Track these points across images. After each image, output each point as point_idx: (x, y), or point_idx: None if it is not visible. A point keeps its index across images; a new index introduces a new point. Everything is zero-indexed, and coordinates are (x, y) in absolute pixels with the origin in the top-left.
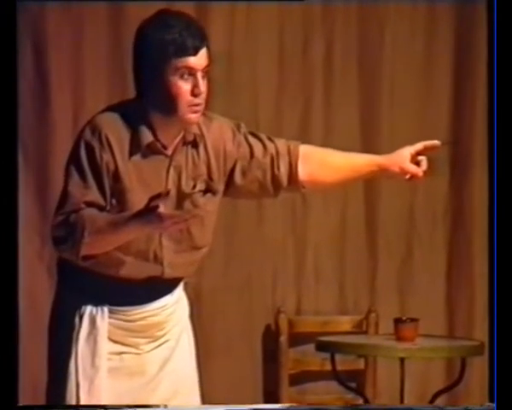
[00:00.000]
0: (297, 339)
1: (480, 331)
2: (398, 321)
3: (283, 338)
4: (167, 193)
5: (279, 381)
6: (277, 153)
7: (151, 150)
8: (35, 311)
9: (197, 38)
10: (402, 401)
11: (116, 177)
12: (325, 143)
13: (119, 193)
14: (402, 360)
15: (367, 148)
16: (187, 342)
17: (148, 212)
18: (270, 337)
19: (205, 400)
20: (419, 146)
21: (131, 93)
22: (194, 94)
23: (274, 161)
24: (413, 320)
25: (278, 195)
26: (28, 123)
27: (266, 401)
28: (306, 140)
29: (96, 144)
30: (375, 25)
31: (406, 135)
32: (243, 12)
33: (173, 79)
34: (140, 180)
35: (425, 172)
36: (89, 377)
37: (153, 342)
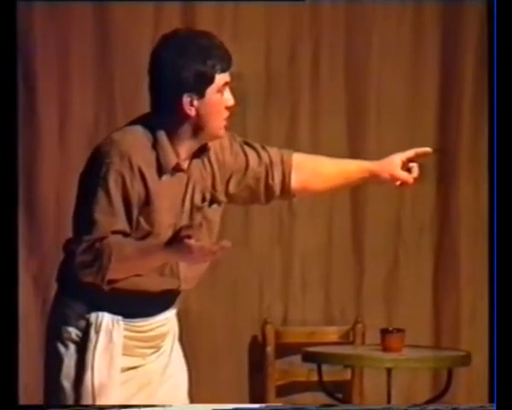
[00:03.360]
0: (283, 350)
1: (467, 341)
2: (384, 331)
3: (270, 349)
4: (200, 225)
5: (266, 392)
6: (271, 162)
7: (175, 170)
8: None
9: (226, 51)
10: None
11: (147, 200)
12: (312, 150)
13: (147, 214)
14: (388, 371)
15: (354, 155)
16: (179, 349)
17: (178, 242)
18: (257, 348)
19: None
20: (410, 153)
21: (118, 97)
22: (227, 108)
23: (268, 171)
24: (399, 331)
25: (269, 202)
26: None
27: None
28: (294, 147)
29: (126, 172)
30: (362, 31)
31: (393, 142)
32: (230, 15)
33: (217, 97)
34: (166, 199)
35: (415, 179)
36: (104, 389)
37: (156, 352)
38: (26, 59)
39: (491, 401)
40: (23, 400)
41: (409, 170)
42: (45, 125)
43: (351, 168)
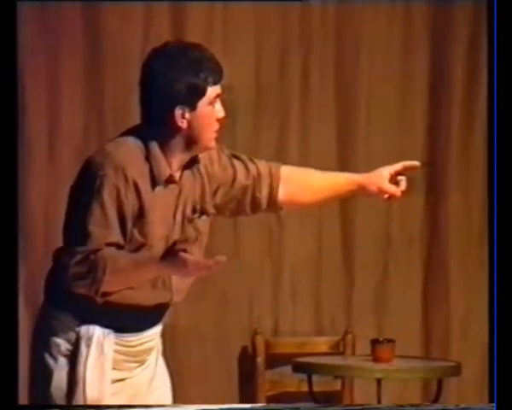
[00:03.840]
0: (274, 360)
1: (457, 351)
2: (374, 342)
3: (260, 359)
4: (195, 239)
5: (256, 402)
6: (259, 175)
7: (168, 181)
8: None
9: (217, 64)
10: None
11: (140, 212)
12: (302, 160)
13: (141, 226)
14: (379, 381)
15: (343, 165)
16: (163, 363)
17: (173, 255)
18: (247, 359)
19: None
20: (398, 166)
21: (108, 108)
22: (218, 120)
23: (256, 184)
24: (390, 341)
25: (255, 213)
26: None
27: None
28: (283, 159)
29: (120, 185)
30: (352, 38)
31: (382, 152)
32: (219, 26)
33: (208, 109)
34: (159, 211)
35: (403, 192)
36: (96, 402)
37: (141, 365)
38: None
39: (491, 401)
40: (23, 400)
41: (397, 183)
42: (34, 136)
43: (339, 181)
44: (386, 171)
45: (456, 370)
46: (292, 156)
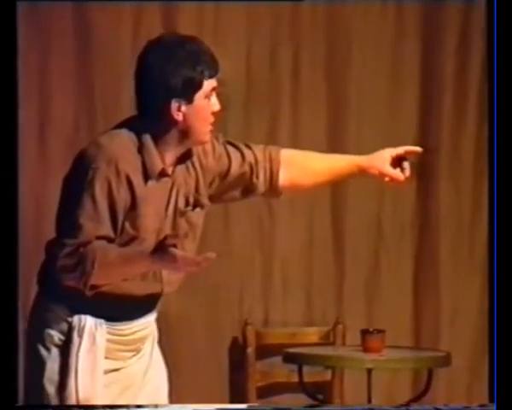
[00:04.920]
0: (264, 351)
1: (447, 342)
2: (365, 332)
3: (250, 350)
4: (185, 235)
5: (246, 393)
6: (256, 161)
7: (160, 175)
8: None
9: (213, 57)
10: None
11: (132, 206)
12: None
13: (133, 220)
14: (369, 371)
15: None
16: (159, 352)
17: (162, 250)
18: (238, 349)
19: None
20: (400, 150)
21: (98, 101)
22: (213, 113)
23: (253, 169)
24: (380, 331)
25: (249, 197)
26: None
27: None
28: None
29: (112, 179)
30: (343, 31)
31: (373, 144)
32: (211, 20)
33: (204, 102)
34: (151, 204)
35: (407, 178)
36: (88, 392)
37: (136, 354)
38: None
39: (491, 401)
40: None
41: (401, 168)
42: (25, 128)
43: (340, 163)
44: (388, 153)
45: (446, 360)
46: (283, 145)
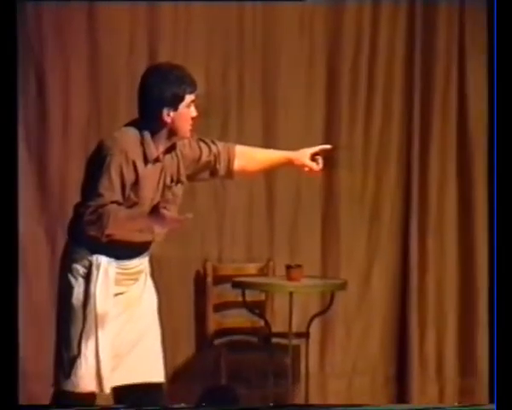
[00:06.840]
0: (219, 280)
1: (345, 272)
2: (288, 267)
3: (209, 279)
4: (173, 200)
5: (206, 309)
6: (218, 152)
7: (155, 160)
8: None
9: (193, 79)
10: (290, 322)
11: (136, 182)
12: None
13: (136, 191)
14: (291, 294)
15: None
16: (151, 281)
17: (156, 212)
18: (200, 279)
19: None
20: (316, 149)
21: (104, 106)
22: (192, 118)
23: (217, 159)
24: (299, 266)
25: (214, 179)
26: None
27: (197, 323)
28: (224, 140)
29: (123, 162)
30: (274, 51)
31: (298, 140)
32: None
33: (186, 110)
34: (148, 181)
35: (321, 169)
36: (102, 308)
37: (135, 283)
38: (37, 64)
39: (491, 401)
40: (23, 400)
41: (316, 161)
42: (53, 124)
43: (276, 156)
44: (308, 151)
45: (343, 285)
46: (231, 139)
